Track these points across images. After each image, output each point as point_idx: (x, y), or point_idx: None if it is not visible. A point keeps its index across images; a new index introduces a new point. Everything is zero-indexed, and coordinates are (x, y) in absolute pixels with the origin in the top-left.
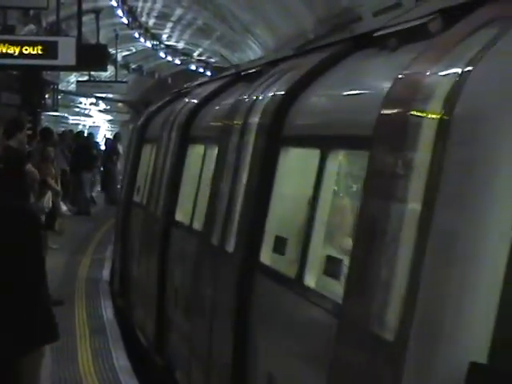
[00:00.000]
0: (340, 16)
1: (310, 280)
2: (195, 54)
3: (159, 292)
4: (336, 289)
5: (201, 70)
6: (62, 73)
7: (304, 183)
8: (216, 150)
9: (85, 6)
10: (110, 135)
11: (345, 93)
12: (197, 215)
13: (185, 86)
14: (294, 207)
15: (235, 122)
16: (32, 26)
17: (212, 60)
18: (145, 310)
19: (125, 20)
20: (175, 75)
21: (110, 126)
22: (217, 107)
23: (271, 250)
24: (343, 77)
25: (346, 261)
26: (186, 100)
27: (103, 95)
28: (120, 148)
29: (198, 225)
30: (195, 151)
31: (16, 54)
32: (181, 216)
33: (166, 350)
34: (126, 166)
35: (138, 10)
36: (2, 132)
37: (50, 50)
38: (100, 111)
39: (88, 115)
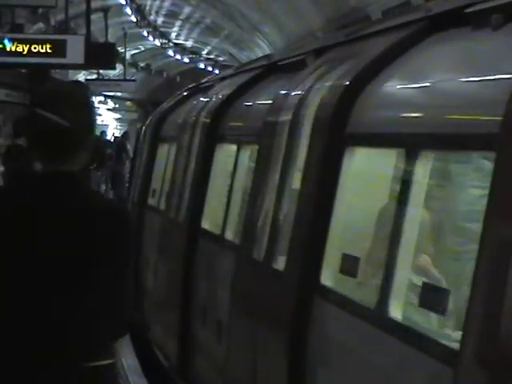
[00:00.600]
0: (348, 15)
1: (397, 312)
2: (204, 53)
3: (183, 308)
4: (442, 327)
5: (209, 68)
6: (70, 71)
7: (382, 190)
8: (255, 150)
9: (93, 5)
10: (118, 134)
11: (442, 82)
12: (230, 224)
13: (204, 80)
14: (368, 219)
15: (281, 118)
16: (41, 25)
17: (221, 58)
18: (165, 327)
19: (133, 18)
20: (184, 74)
21: (118, 124)
22: (251, 102)
23: (336, 269)
24: (430, 63)
25: (456, 291)
26: (209, 95)
27: (112, 94)
28: (129, 147)
29: (231, 235)
30: (225, 151)
31: (25, 52)
32: (208, 224)
33: (191, 373)
34: (136, 165)
35: (147, 8)
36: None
37: (59, 49)
38: (108, 110)
39: (97, 114)
